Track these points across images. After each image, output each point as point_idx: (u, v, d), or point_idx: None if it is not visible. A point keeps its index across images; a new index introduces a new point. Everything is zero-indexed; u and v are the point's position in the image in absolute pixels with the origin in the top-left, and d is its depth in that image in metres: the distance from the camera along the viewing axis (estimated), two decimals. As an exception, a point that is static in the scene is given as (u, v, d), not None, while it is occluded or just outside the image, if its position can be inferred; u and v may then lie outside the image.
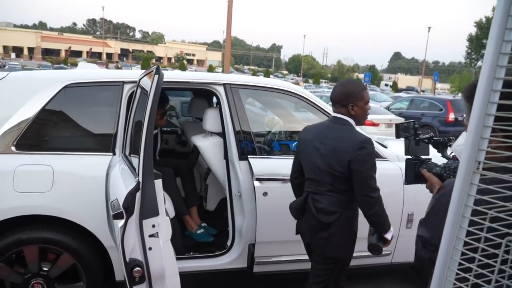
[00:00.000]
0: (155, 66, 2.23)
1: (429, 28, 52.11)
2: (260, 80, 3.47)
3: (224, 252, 3.15)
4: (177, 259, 2.95)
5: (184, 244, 3.27)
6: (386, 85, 59.00)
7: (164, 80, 3.12)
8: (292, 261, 3.15)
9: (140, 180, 2.00)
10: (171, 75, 3.30)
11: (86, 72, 3.15)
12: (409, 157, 2.19)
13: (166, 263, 2.10)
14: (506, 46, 0.72)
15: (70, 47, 76.88)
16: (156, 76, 2.11)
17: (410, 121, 2.30)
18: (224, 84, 3.16)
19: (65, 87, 2.87)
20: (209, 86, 3.17)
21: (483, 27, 44.57)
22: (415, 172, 2.12)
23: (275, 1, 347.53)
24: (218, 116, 3.23)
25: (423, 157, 2.18)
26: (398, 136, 2.29)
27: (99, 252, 2.82)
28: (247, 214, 3.05)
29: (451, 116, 12.64)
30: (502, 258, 0.70)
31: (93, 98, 2.97)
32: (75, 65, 40.64)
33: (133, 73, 3.09)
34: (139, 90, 2.72)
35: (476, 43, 46.59)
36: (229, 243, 3.17)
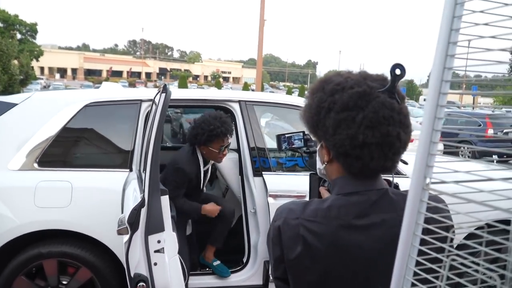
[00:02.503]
0: (163, 84, 2.29)
1: (469, 41, 50.80)
2: (276, 97, 3.48)
3: (239, 269, 3.14)
4: (193, 275, 2.98)
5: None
6: (425, 100, 57.47)
7: (183, 98, 3.23)
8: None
9: (146, 196, 2.04)
10: (188, 93, 3.38)
11: (106, 91, 3.27)
12: (313, 172, 1.97)
13: (171, 279, 2.12)
14: (450, 60, 0.71)
15: (111, 68, 79.74)
16: (163, 94, 2.16)
17: (299, 131, 2.17)
18: (239, 101, 3.20)
19: (86, 106, 2.98)
20: (225, 103, 3.22)
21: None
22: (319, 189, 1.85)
23: (310, 18, 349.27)
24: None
25: None
26: (279, 148, 2.21)
27: (116, 266, 2.87)
28: (262, 231, 3.03)
29: (490, 132, 12.18)
30: (446, 282, 0.68)
31: (112, 116, 3.07)
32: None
33: (151, 92, 3.18)
34: (154, 108, 2.79)
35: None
36: (244, 259, 3.16)
